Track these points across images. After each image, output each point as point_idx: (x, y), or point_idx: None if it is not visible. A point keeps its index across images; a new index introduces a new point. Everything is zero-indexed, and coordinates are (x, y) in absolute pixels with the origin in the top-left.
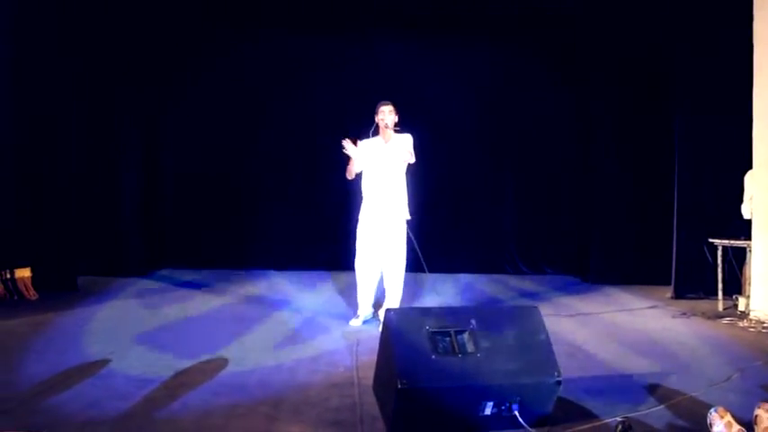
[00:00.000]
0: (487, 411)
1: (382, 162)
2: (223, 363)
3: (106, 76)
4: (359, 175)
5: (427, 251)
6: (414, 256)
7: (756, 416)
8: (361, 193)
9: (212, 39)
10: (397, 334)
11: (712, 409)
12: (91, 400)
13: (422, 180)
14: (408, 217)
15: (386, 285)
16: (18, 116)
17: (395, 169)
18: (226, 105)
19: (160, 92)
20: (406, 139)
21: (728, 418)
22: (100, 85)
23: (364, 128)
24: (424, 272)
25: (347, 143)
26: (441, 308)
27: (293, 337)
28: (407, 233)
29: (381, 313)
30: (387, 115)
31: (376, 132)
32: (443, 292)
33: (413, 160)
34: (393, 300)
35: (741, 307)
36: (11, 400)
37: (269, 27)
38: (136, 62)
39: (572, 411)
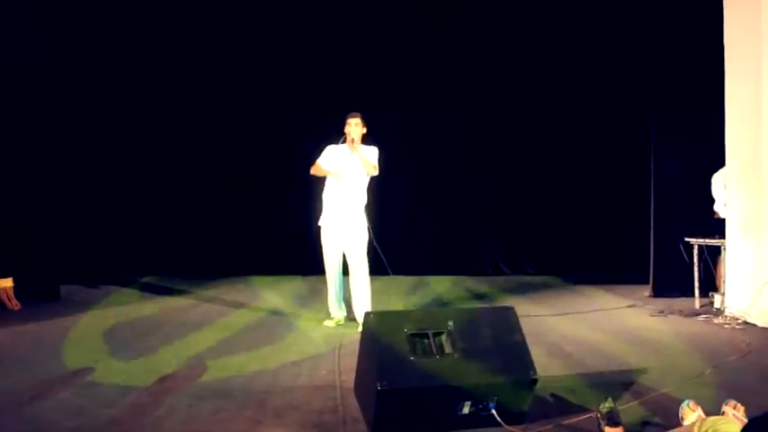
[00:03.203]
0: (465, 410)
1: (346, 171)
2: (206, 368)
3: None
4: (322, 180)
5: (407, 253)
6: (377, 259)
7: (723, 412)
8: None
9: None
10: (376, 336)
11: (684, 403)
12: (76, 408)
13: (403, 181)
14: (367, 224)
15: (352, 288)
16: None
17: (357, 179)
18: (206, 108)
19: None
20: (371, 151)
21: (699, 411)
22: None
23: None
24: (388, 274)
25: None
26: (419, 310)
27: (276, 342)
28: (371, 239)
29: (358, 315)
30: (353, 128)
31: (344, 141)
32: (423, 294)
33: (376, 173)
34: (362, 303)
35: (717, 304)
36: None
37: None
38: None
39: (548, 408)
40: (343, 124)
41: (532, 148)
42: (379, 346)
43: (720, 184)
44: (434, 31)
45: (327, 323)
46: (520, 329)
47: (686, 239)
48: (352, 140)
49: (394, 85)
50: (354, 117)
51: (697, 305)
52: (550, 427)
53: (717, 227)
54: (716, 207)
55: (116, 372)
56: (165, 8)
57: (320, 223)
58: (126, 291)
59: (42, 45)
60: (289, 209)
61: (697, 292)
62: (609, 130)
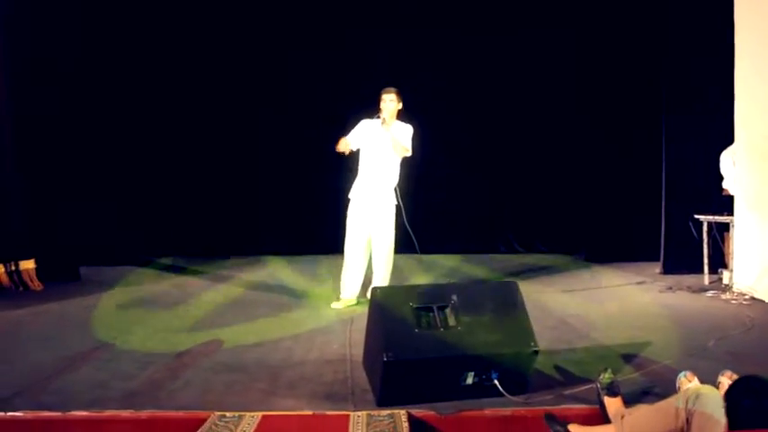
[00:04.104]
0: (469, 381)
1: (377, 146)
2: (222, 343)
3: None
4: (354, 154)
5: (420, 231)
6: (406, 238)
7: (719, 382)
8: (357, 170)
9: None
10: (383, 310)
11: (681, 374)
12: (97, 382)
13: (415, 159)
14: (395, 202)
15: (374, 265)
16: (16, 112)
17: (388, 155)
18: (217, 92)
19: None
20: (405, 130)
21: (696, 382)
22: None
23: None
24: (417, 252)
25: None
26: (424, 285)
27: (290, 318)
28: (402, 215)
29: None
30: (387, 104)
31: (379, 117)
32: (435, 271)
33: (408, 154)
34: (380, 279)
35: (725, 280)
36: (23, 384)
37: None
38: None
39: (550, 379)
40: (378, 100)
41: (545, 125)
42: (386, 319)
43: (729, 161)
44: (452, 27)
45: (335, 305)
46: (522, 303)
47: (695, 216)
48: (384, 120)
49: (413, 70)
50: (389, 93)
51: (706, 281)
52: (551, 397)
53: (726, 204)
54: (725, 184)
55: (135, 348)
56: None
57: (349, 196)
58: (144, 271)
59: (42, 44)
60: (304, 188)
61: (706, 268)
62: (620, 109)
